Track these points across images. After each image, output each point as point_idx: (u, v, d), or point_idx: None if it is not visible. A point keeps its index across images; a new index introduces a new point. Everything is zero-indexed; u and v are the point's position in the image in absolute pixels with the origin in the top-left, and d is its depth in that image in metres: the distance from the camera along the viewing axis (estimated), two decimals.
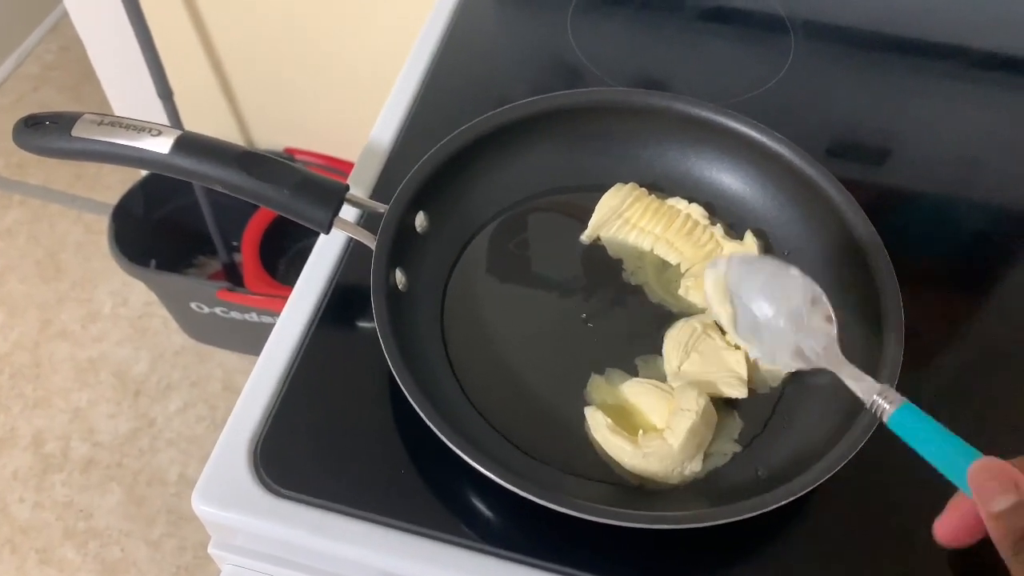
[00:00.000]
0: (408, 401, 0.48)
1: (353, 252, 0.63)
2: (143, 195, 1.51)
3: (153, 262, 1.51)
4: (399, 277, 0.57)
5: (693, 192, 0.65)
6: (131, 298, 1.70)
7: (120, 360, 1.63)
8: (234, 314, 1.46)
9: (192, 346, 1.65)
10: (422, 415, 0.48)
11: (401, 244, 0.56)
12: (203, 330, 1.61)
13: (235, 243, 1.55)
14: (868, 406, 0.45)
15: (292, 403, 0.55)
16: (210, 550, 0.55)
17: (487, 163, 0.63)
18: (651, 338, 0.57)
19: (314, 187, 0.54)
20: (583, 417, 0.54)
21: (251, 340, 1.46)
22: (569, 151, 0.65)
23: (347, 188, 0.56)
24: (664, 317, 0.58)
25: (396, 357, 0.50)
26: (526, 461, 0.53)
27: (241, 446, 0.53)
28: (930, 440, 0.42)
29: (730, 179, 0.64)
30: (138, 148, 0.52)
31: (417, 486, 0.52)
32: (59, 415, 1.56)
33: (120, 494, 1.49)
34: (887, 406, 0.44)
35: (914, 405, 0.44)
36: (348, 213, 0.63)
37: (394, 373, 0.50)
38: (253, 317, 1.44)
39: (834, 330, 0.49)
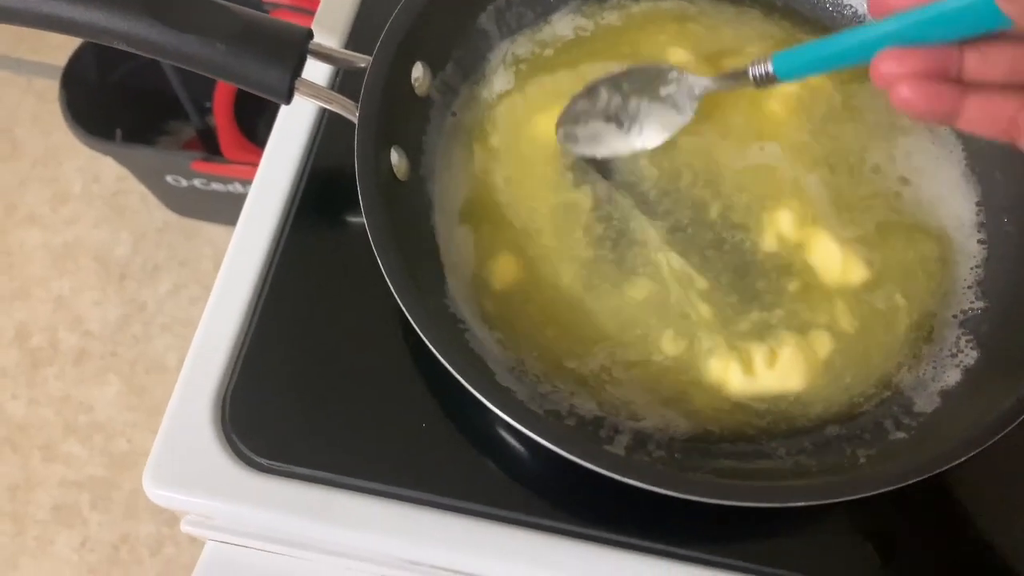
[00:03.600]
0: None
1: (331, 121, 0.47)
2: (94, 54, 1.33)
3: (119, 132, 1.36)
4: (397, 159, 0.41)
5: None
6: (102, 173, 1.56)
7: (99, 243, 1.52)
8: (215, 186, 1.33)
9: (176, 222, 1.53)
10: (439, 356, 0.34)
11: (395, 112, 0.40)
12: (185, 204, 1.48)
13: (208, 104, 1.38)
14: (751, 78, 0.39)
15: (266, 337, 0.41)
16: (184, 528, 0.42)
17: None
18: None
19: (261, 37, 0.37)
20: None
21: (239, 211, 1.33)
22: None
23: (310, 35, 0.39)
24: None
25: (398, 274, 0.36)
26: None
27: (203, 402, 0.39)
28: (826, 49, 0.36)
29: None
30: None
31: (445, 444, 0.39)
32: (40, 306, 1.47)
33: (118, 384, 1.43)
34: (764, 64, 0.38)
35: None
36: (316, 72, 0.46)
37: (397, 298, 0.35)
38: (237, 188, 1.32)
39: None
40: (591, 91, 0.43)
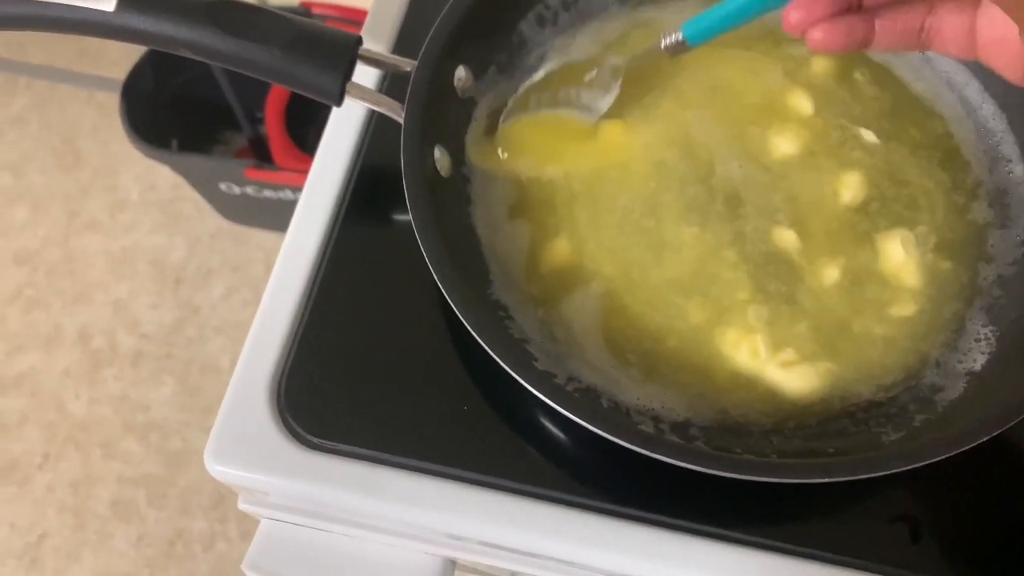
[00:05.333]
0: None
1: (379, 124, 0.49)
2: (152, 67, 1.38)
3: (175, 142, 1.40)
4: (440, 158, 0.43)
5: None
6: (158, 182, 1.61)
7: (155, 248, 1.56)
8: (267, 193, 1.36)
9: (228, 228, 1.57)
10: (481, 342, 0.36)
11: (439, 113, 0.42)
12: (237, 211, 1.52)
13: (259, 114, 1.42)
14: (664, 48, 0.42)
15: (318, 326, 0.44)
16: (241, 506, 0.45)
17: None
18: None
19: (315, 43, 0.40)
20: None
21: (289, 218, 1.36)
22: None
23: (360, 41, 0.42)
24: None
25: (442, 265, 0.38)
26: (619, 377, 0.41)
27: (260, 385, 0.42)
28: (729, 6, 0.38)
29: None
30: (72, 7, 0.38)
31: (486, 425, 0.41)
32: (101, 309, 1.52)
33: (173, 385, 1.47)
34: (674, 34, 0.41)
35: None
36: (365, 76, 0.48)
37: (440, 286, 0.37)
38: (287, 195, 1.35)
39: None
40: (520, 101, 0.46)
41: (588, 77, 0.46)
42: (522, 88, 0.47)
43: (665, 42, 0.42)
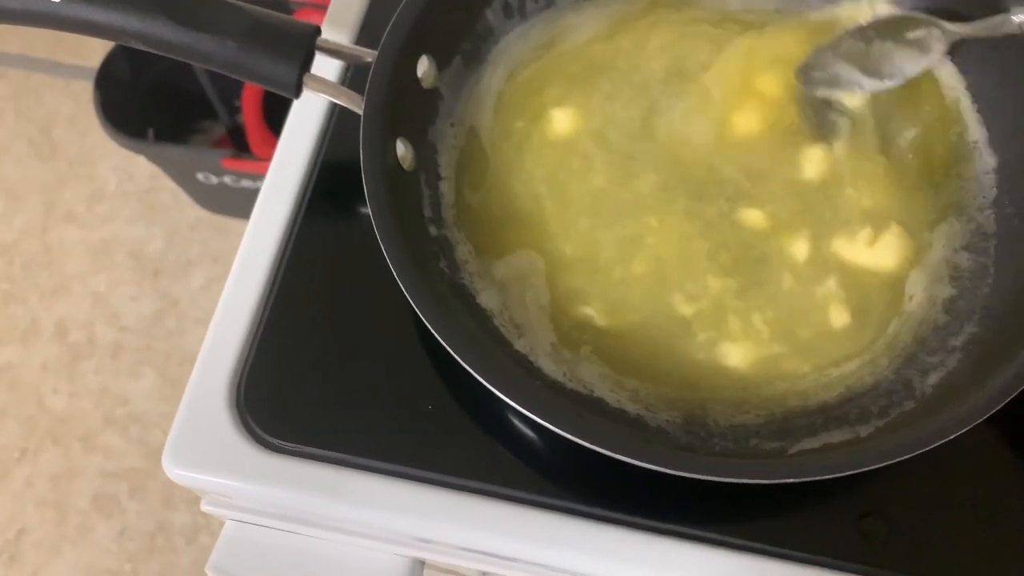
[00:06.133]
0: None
1: (341, 115, 0.48)
2: (127, 56, 1.36)
3: (151, 131, 1.38)
4: (402, 151, 0.42)
5: None
6: (136, 172, 1.59)
7: (134, 239, 1.55)
8: (244, 183, 1.35)
9: (207, 218, 1.56)
10: (442, 341, 0.35)
11: (401, 105, 0.41)
12: (215, 201, 1.51)
13: (237, 103, 1.40)
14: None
15: (279, 323, 0.43)
16: (203, 507, 0.44)
17: None
18: None
19: (271, 34, 0.39)
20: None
21: None
22: None
23: (318, 32, 0.40)
24: None
25: (402, 262, 0.37)
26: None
27: (219, 385, 0.41)
28: None
29: None
30: None
31: (451, 424, 0.40)
32: (79, 301, 1.51)
33: (153, 377, 1.45)
34: None
35: None
36: (325, 67, 0.47)
37: (399, 281, 0.36)
38: None
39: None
40: (836, 40, 0.44)
41: (912, 35, 0.44)
42: (840, 32, 0.45)
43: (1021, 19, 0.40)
